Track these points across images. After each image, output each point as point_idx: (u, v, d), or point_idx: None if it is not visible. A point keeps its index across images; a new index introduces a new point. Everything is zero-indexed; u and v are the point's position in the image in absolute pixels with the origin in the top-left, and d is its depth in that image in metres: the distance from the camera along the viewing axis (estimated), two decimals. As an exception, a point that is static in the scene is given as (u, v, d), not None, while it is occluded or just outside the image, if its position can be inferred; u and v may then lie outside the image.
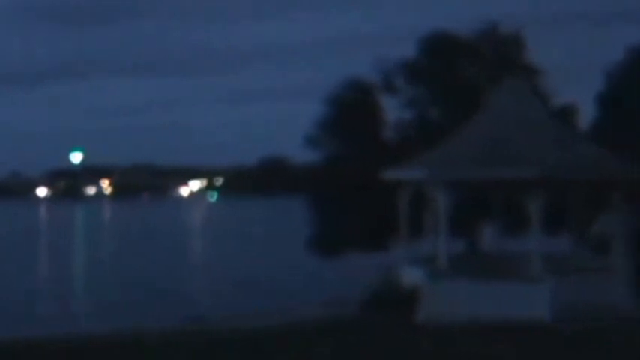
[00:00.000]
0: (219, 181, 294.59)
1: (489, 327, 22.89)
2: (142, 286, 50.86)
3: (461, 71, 38.00)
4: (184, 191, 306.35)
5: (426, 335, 22.39)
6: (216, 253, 78.17)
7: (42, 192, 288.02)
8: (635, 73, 35.69)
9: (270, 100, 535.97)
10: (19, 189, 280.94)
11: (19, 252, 78.14)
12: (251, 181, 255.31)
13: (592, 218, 33.20)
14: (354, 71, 38.99)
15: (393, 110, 39.10)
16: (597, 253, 30.89)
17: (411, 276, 27.43)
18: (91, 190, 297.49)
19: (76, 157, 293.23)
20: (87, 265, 71.12)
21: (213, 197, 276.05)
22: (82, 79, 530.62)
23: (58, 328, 30.25)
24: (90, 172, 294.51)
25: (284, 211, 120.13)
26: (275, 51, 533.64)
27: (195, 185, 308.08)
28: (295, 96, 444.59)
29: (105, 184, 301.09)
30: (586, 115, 38.90)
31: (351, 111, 38.28)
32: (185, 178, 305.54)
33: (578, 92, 40.64)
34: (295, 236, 44.03)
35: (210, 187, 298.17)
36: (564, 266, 27.32)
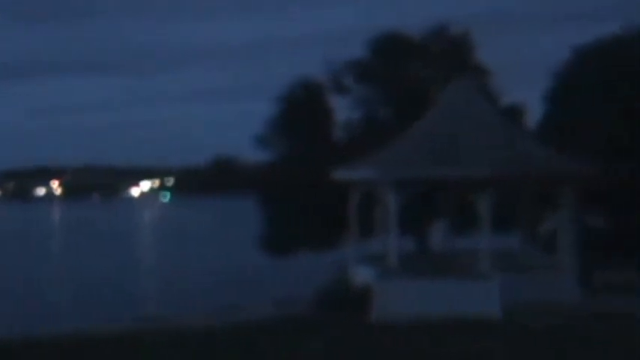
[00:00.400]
0: (170, 181, 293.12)
1: (440, 324, 22.81)
2: (90, 286, 50.31)
3: (410, 71, 37.99)
4: (135, 191, 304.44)
5: (378, 333, 22.27)
6: (168, 253, 77.61)
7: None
8: (580, 72, 35.88)
9: (222, 100, 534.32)
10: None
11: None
12: (202, 181, 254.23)
13: (541, 216, 33.34)
14: (304, 71, 38.89)
15: (342, 110, 39.03)
16: (546, 251, 31.01)
17: (362, 275, 27.30)
18: (40, 191, 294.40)
19: (27, 157, 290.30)
20: (35, 265, 70.22)
21: (165, 197, 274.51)
22: (31, 79, 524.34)
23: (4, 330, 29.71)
24: (40, 173, 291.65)
25: (236, 210, 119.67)
26: (227, 50, 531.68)
27: (146, 185, 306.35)
28: (246, 96, 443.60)
29: (55, 184, 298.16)
30: (535, 113, 39.12)
31: (300, 111, 38.13)
32: (136, 178, 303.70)
33: (527, 92, 40.81)
34: (247, 236, 43.72)
35: (161, 187, 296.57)
36: (513, 264, 27.36)
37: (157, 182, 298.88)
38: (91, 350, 21.34)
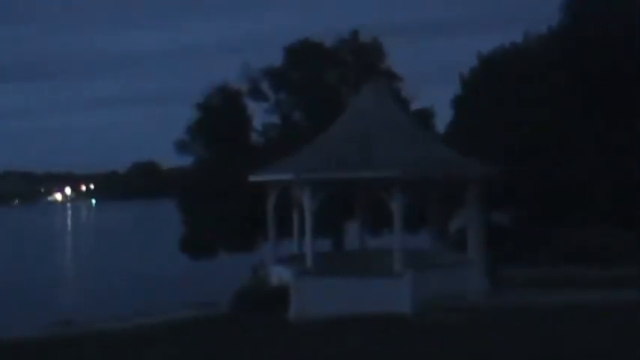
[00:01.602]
0: (91, 186, 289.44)
1: (354, 321, 22.96)
2: (9, 290, 49.43)
3: (323, 76, 38.19)
4: (57, 197, 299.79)
5: (295, 331, 22.34)
6: (91, 256, 76.76)
7: None
8: (486, 78, 36.52)
9: (140, 107, 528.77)
10: None
11: None
12: (123, 186, 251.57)
13: (449, 215, 33.81)
14: (223, 78, 38.77)
15: (259, 115, 39.10)
16: (455, 249, 31.42)
17: (279, 275, 27.32)
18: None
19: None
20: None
21: (91, 201, 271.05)
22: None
23: None
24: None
25: (158, 213, 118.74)
26: (144, 58, 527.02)
27: (67, 190, 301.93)
28: (165, 102, 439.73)
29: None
30: (443, 118, 39.69)
31: (219, 116, 38.07)
32: (57, 183, 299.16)
33: (436, 97, 41.37)
34: (168, 238, 43.43)
35: (82, 192, 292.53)
36: (424, 262, 27.63)
37: (83, 187, 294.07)
38: (9, 356, 20.99)
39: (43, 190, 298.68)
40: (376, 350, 19.39)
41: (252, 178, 28.69)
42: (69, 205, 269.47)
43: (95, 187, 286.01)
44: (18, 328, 29.05)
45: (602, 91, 33.75)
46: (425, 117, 37.94)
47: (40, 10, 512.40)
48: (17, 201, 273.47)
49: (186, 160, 39.53)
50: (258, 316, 24.56)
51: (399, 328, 21.95)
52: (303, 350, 19.61)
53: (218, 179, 36.19)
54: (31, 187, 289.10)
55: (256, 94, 38.69)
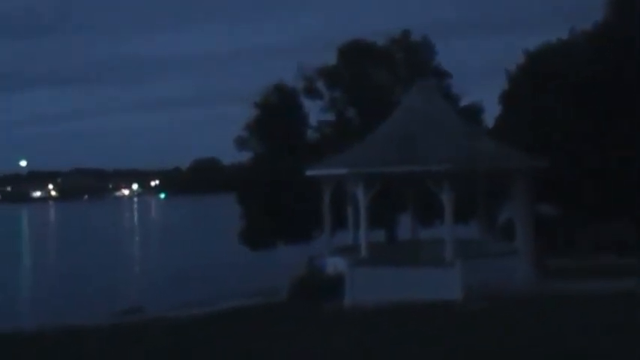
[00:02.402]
0: (156, 182, 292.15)
1: (408, 309, 22.95)
2: (84, 281, 50.19)
3: (375, 75, 38.18)
4: (125, 192, 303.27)
5: (349, 318, 22.40)
6: (158, 248, 77.60)
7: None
8: (532, 75, 36.21)
9: (202, 106, 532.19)
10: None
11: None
12: (186, 181, 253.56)
13: (498, 207, 33.62)
14: (279, 78, 38.96)
15: (314, 112, 39.24)
16: (503, 239, 31.26)
17: (335, 265, 27.41)
18: (36, 194, 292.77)
19: (22, 163, 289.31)
20: (40, 261, 69.98)
21: (160, 196, 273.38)
22: (21, 90, 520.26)
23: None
24: (35, 177, 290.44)
25: (220, 207, 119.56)
26: (206, 59, 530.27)
27: (134, 186, 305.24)
28: (226, 102, 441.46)
29: (49, 187, 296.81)
30: (491, 113, 39.45)
31: (276, 113, 38.24)
32: (124, 180, 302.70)
33: (485, 93, 41.13)
34: (229, 231, 43.73)
35: (149, 187, 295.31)
36: (473, 251, 27.54)
37: (156, 182, 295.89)
38: (84, 341, 21.31)
39: (111, 186, 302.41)
40: (425, 335, 19.39)
41: (309, 173, 28.81)
42: (135, 199, 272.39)
43: (160, 182, 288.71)
44: (90, 315, 29.53)
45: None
46: (474, 112, 37.78)
47: (110, 16, 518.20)
48: (87, 196, 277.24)
49: (245, 156, 39.82)
50: (314, 304, 24.66)
51: (448, 315, 21.89)
52: (357, 336, 19.66)
53: (275, 174, 36.37)
54: (100, 183, 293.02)
55: (311, 92, 38.82)
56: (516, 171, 27.37)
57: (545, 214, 35.62)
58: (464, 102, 38.22)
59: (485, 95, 40.49)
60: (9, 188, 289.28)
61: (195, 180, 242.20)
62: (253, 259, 43.58)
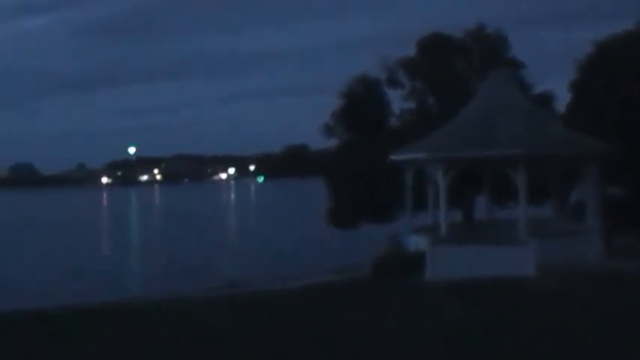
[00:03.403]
0: (252, 167, 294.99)
1: (483, 284, 22.79)
2: (190, 256, 51.01)
3: (453, 66, 37.82)
4: (222, 176, 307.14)
5: (430, 293, 22.36)
6: (255, 226, 78.47)
7: (104, 180, 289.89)
8: (601, 64, 35.41)
9: (292, 96, 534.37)
10: (84, 178, 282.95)
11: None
12: (278, 166, 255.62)
13: (569, 188, 33.03)
14: (363, 69, 38.96)
15: (396, 101, 39.12)
16: (574, 219, 30.72)
17: (416, 243, 27.36)
18: (143, 177, 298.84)
19: (130, 150, 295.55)
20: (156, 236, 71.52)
21: (259, 179, 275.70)
22: (128, 84, 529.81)
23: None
24: (142, 162, 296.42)
25: (309, 190, 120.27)
26: (296, 53, 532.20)
27: (231, 170, 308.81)
28: (313, 92, 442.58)
29: (155, 171, 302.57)
30: (563, 100, 38.72)
31: (360, 103, 38.22)
32: (221, 164, 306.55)
33: (556, 81, 40.38)
34: (317, 211, 43.95)
35: (245, 172, 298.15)
36: (546, 231, 27.18)
37: (252, 167, 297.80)
38: (180, 311, 21.65)
39: (209, 170, 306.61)
40: (500, 310, 19.25)
41: (392, 158, 28.80)
42: (232, 183, 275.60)
43: (255, 167, 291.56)
44: (190, 288, 30.05)
45: None
46: (546, 100, 37.18)
47: (210, 13, 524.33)
48: (186, 180, 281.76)
49: (332, 143, 39.93)
50: (396, 280, 24.65)
51: (522, 291, 21.68)
52: (439, 309, 19.65)
53: (360, 158, 36.36)
54: (199, 167, 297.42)
55: (393, 82, 38.69)
56: (587, 155, 26.92)
57: (613, 195, 34.87)
58: (536, 90, 37.62)
59: (556, 84, 39.77)
60: (119, 173, 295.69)
61: (287, 165, 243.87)
62: (339, 237, 43.68)
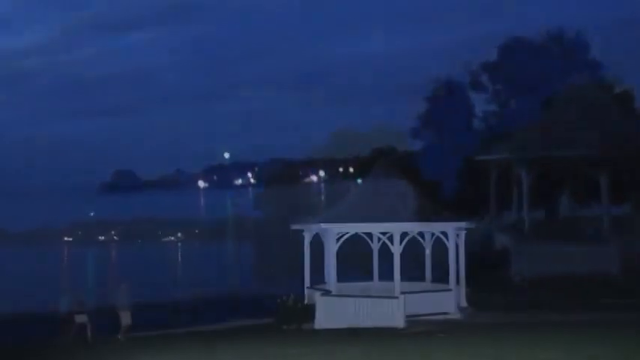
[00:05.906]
0: (340, 169, 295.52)
1: (567, 281, 22.65)
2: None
3: (534, 69, 37.45)
4: (313, 178, 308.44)
5: (514, 286, 22.34)
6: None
7: (201, 184, 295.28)
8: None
9: (379, 99, 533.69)
10: (182, 182, 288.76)
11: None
12: (368, 168, 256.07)
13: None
14: (446, 74, 39.06)
15: (479, 104, 39.04)
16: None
17: (501, 240, 27.28)
18: (238, 181, 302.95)
19: (226, 155, 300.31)
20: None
21: (358, 181, 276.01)
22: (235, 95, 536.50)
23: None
24: (237, 167, 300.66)
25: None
26: (383, 58, 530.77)
27: (321, 173, 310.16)
28: (398, 96, 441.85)
29: (249, 175, 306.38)
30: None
31: (445, 106, 38.25)
32: (310, 168, 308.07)
33: (637, 81, 39.44)
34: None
35: (335, 174, 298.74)
36: (629, 229, 26.74)
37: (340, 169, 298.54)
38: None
39: (300, 173, 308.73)
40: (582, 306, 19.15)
41: (477, 158, 28.81)
42: (322, 185, 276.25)
43: (347, 168, 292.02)
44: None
45: None
46: (626, 99, 36.45)
47: (300, 22, 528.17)
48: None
49: (418, 145, 40.14)
50: (482, 274, 24.62)
51: (607, 285, 21.48)
52: (525, 299, 19.69)
53: (445, 159, 36.38)
54: (291, 171, 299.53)
55: (476, 86, 38.58)
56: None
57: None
58: (616, 90, 36.90)
59: (636, 83, 38.94)
60: (215, 177, 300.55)
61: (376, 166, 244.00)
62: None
